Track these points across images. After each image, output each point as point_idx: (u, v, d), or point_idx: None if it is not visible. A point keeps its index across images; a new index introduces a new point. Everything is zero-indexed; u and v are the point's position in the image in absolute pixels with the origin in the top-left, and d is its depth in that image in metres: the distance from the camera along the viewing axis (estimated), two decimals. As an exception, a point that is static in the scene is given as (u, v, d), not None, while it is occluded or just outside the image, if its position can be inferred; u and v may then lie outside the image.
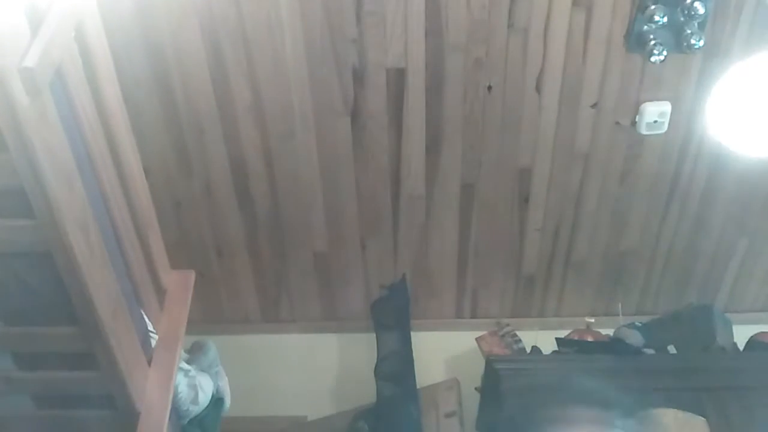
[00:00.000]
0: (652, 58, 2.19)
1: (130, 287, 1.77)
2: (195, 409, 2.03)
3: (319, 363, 2.99)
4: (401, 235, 2.72)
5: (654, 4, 2.12)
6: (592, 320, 2.80)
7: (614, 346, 2.59)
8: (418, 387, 2.70)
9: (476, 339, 2.79)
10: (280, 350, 2.98)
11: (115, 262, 1.65)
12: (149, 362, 1.84)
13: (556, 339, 2.69)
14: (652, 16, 2.13)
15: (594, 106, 2.37)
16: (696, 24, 2.16)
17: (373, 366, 2.61)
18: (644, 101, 2.36)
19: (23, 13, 1.28)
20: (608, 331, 2.75)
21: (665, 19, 2.13)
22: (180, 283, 2.08)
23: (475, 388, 2.66)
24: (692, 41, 2.16)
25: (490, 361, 2.55)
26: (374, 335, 2.73)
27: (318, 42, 2.21)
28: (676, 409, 2.36)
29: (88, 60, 1.54)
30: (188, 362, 2.12)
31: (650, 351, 2.58)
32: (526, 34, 2.21)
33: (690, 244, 2.77)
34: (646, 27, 2.17)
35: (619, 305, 2.84)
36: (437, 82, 2.30)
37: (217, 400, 2.15)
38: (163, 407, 1.78)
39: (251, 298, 2.92)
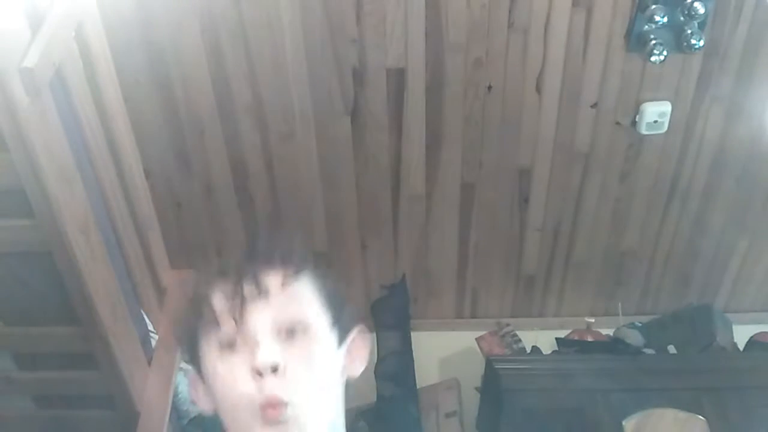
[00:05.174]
0: (652, 58, 2.19)
1: (130, 287, 1.77)
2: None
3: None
4: (401, 235, 2.72)
5: (654, 4, 2.12)
6: (592, 320, 2.79)
7: (614, 346, 2.59)
8: (418, 387, 2.69)
9: (476, 339, 2.79)
10: (280, 350, 2.98)
11: (115, 262, 1.65)
12: (149, 362, 1.84)
13: (556, 339, 2.69)
14: (652, 16, 2.13)
15: (594, 106, 2.37)
16: (696, 24, 2.16)
17: (373, 366, 2.61)
18: (644, 101, 2.35)
19: (23, 13, 1.28)
20: (608, 331, 2.75)
21: (665, 19, 2.13)
22: (180, 283, 2.08)
23: (475, 388, 2.66)
24: (692, 41, 2.16)
25: (490, 361, 2.54)
26: (374, 335, 2.73)
27: (318, 42, 2.21)
28: (676, 409, 2.36)
29: (88, 60, 1.54)
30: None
31: (650, 351, 2.58)
32: (526, 34, 2.21)
33: (690, 244, 2.77)
34: (646, 27, 2.16)
35: (619, 305, 2.84)
36: (437, 82, 2.30)
37: (217, 400, 2.15)
38: (163, 407, 1.78)
39: (251, 298, 2.92)
